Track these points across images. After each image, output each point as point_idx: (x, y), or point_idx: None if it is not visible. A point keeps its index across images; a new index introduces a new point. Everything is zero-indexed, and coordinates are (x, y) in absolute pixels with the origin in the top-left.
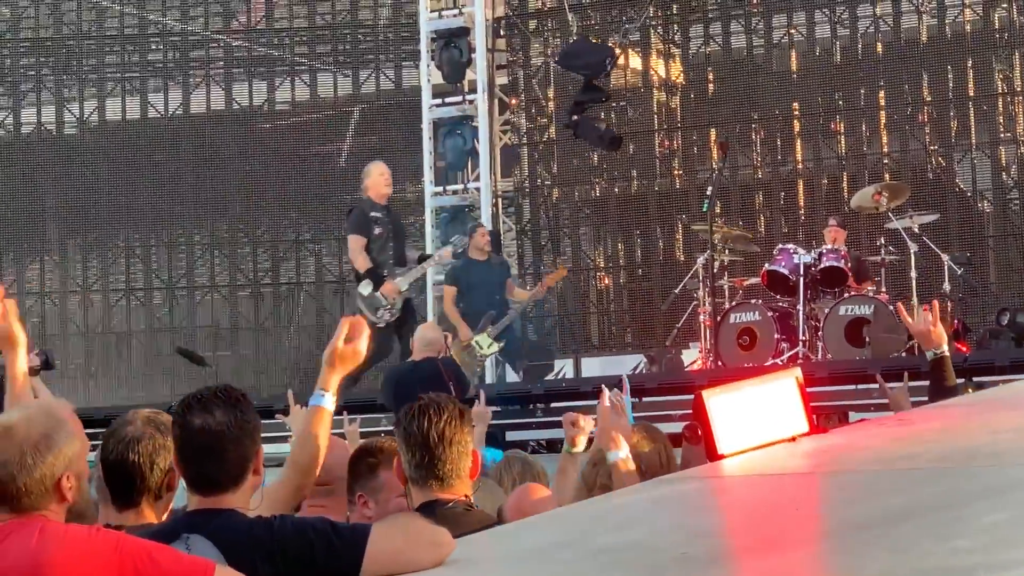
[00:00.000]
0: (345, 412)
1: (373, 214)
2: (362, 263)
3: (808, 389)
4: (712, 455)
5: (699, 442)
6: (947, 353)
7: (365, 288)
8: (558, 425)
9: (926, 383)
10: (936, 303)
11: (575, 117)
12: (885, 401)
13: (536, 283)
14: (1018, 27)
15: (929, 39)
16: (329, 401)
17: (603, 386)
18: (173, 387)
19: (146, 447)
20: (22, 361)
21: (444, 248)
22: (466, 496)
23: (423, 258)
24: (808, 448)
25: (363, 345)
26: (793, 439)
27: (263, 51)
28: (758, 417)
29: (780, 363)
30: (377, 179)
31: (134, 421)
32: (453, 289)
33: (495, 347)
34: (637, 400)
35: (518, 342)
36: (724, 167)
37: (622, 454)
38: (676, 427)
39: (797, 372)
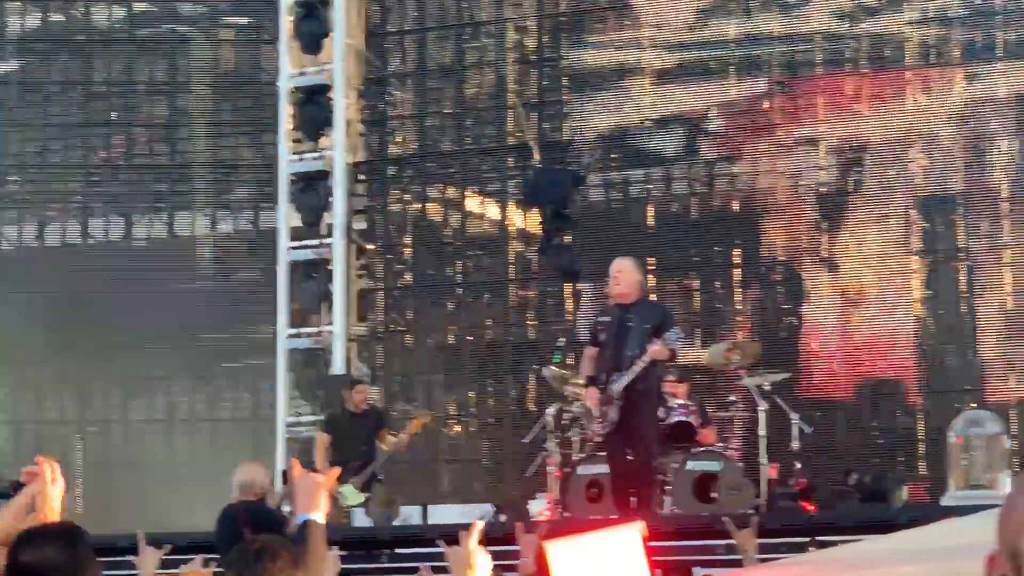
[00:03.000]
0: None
1: (601, 320)
2: (584, 370)
3: (654, 543)
4: None
5: None
6: (320, 521)
7: (587, 401)
8: (403, 571)
9: (773, 540)
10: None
11: (546, 246)
12: (730, 557)
13: (387, 429)
14: (870, 190)
15: (786, 199)
16: None
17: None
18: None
19: None
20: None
21: (653, 345)
22: None
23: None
24: None
25: (49, 488)
26: None
27: (122, 187)
28: (600, 569)
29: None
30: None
31: None
32: (327, 437)
33: (360, 498)
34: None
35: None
36: (578, 319)
37: None
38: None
39: (640, 525)
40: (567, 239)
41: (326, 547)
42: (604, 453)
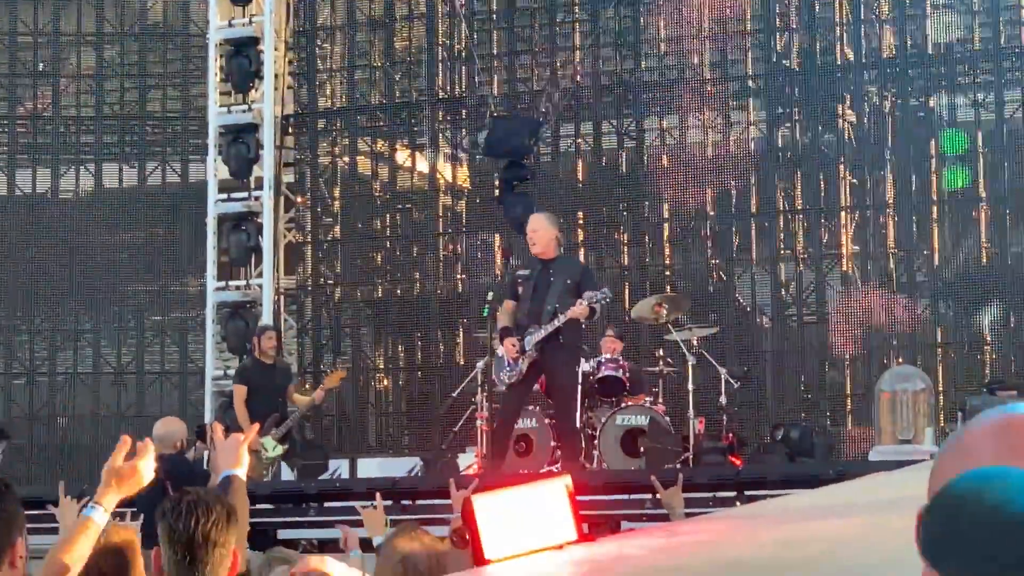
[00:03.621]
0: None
1: (520, 273)
2: (500, 321)
3: (582, 498)
4: (479, 560)
5: (466, 546)
6: (242, 476)
7: (499, 349)
8: (331, 525)
9: (700, 495)
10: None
11: (504, 196)
12: (657, 511)
13: (315, 382)
14: (800, 147)
15: (714, 155)
16: (100, 516)
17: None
18: None
19: None
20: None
21: (578, 305)
22: None
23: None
24: (574, 556)
25: (146, 465)
26: (561, 547)
27: (48, 139)
28: (526, 523)
29: (555, 471)
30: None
31: None
32: (244, 388)
33: (280, 449)
34: (411, 502)
35: (295, 440)
36: (507, 273)
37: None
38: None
39: (567, 479)
40: (524, 189)
41: (247, 499)
42: (500, 402)
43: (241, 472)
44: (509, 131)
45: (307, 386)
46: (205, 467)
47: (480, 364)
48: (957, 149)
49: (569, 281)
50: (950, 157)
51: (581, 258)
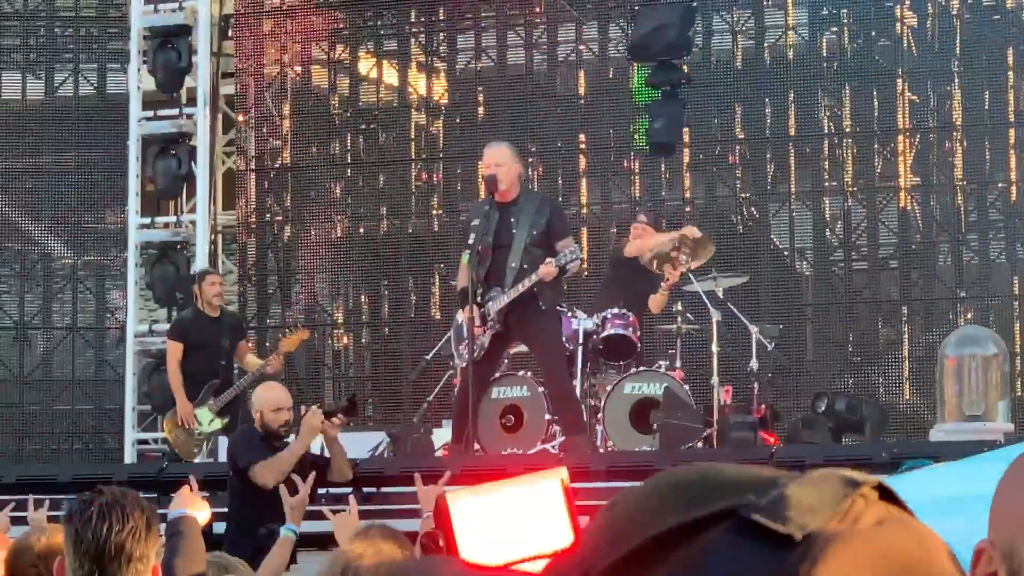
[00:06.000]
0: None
1: (475, 223)
2: (459, 281)
3: (581, 485)
4: None
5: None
6: (197, 518)
7: (458, 316)
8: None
9: None
10: None
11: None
12: None
13: (259, 342)
14: (849, 55)
15: (744, 65)
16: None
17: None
18: None
19: None
20: None
21: (545, 266)
22: None
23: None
24: None
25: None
26: (555, 554)
27: None
28: (513, 527)
29: (551, 449)
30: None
31: None
32: (179, 346)
33: (217, 423)
34: (375, 491)
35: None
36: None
37: None
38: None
39: (563, 473)
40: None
41: (202, 544)
42: (459, 382)
43: (198, 514)
44: (656, 24)
45: (250, 345)
46: (320, 451)
47: (460, 319)
48: None
49: (536, 232)
50: None
51: (583, 191)
